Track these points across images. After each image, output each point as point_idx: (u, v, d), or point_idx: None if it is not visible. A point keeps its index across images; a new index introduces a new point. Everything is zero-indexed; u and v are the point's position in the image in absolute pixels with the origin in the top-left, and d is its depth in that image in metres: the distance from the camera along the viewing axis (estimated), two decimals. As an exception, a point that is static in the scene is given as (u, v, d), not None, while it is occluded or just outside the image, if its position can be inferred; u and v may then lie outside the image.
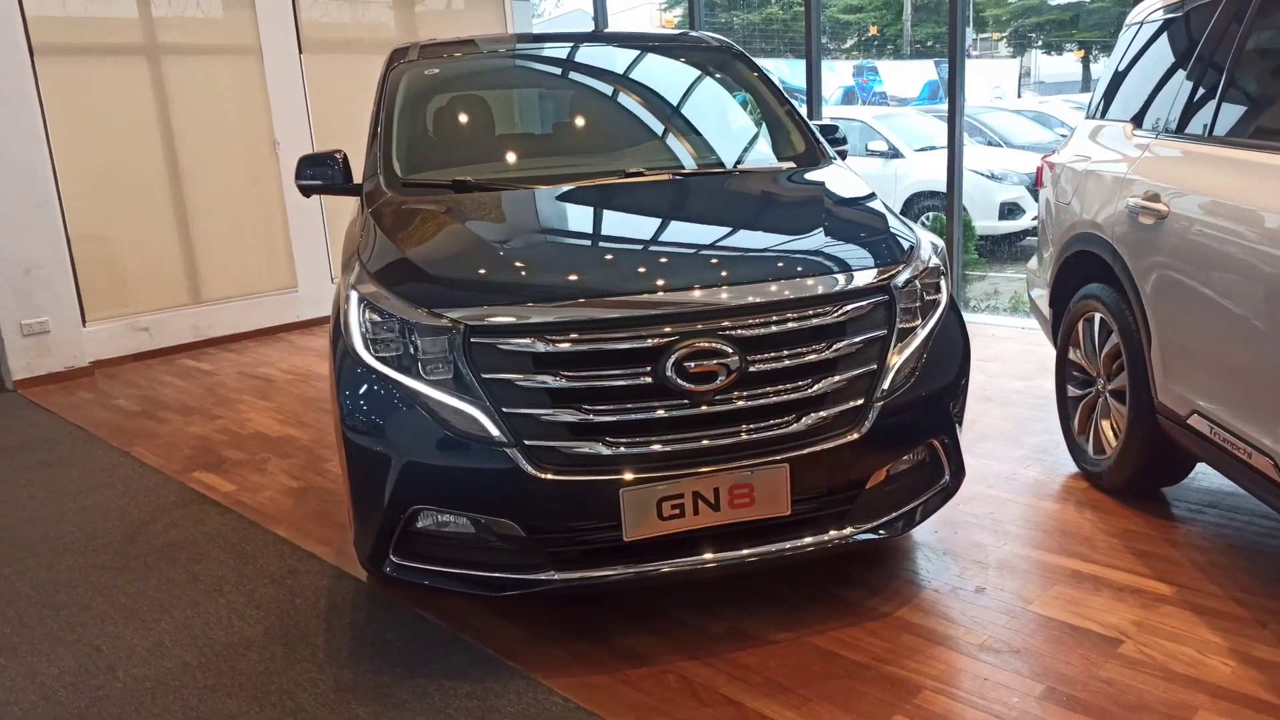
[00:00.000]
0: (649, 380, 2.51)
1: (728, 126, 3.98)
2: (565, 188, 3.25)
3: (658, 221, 3.04)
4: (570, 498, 2.53)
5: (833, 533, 2.73)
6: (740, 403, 2.57)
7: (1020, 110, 15.33)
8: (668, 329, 2.51)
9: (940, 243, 3.00)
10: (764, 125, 3.88)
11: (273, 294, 7.34)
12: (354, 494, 2.75)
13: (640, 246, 2.84)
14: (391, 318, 2.59)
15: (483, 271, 2.69)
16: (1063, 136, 14.13)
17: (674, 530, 2.58)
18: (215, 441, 4.89)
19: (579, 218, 3.09)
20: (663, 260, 2.73)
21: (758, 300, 2.57)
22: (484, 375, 2.51)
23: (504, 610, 3.00)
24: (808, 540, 2.70)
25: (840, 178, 3.37)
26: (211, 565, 3.47)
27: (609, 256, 2.78)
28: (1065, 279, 3.90)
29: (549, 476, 2.50)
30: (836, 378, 2.64)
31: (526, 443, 2.51)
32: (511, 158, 3.77)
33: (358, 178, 3.61)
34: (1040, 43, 40.74)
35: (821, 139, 3.71)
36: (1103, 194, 3.55)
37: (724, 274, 2.64)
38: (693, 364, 2.50)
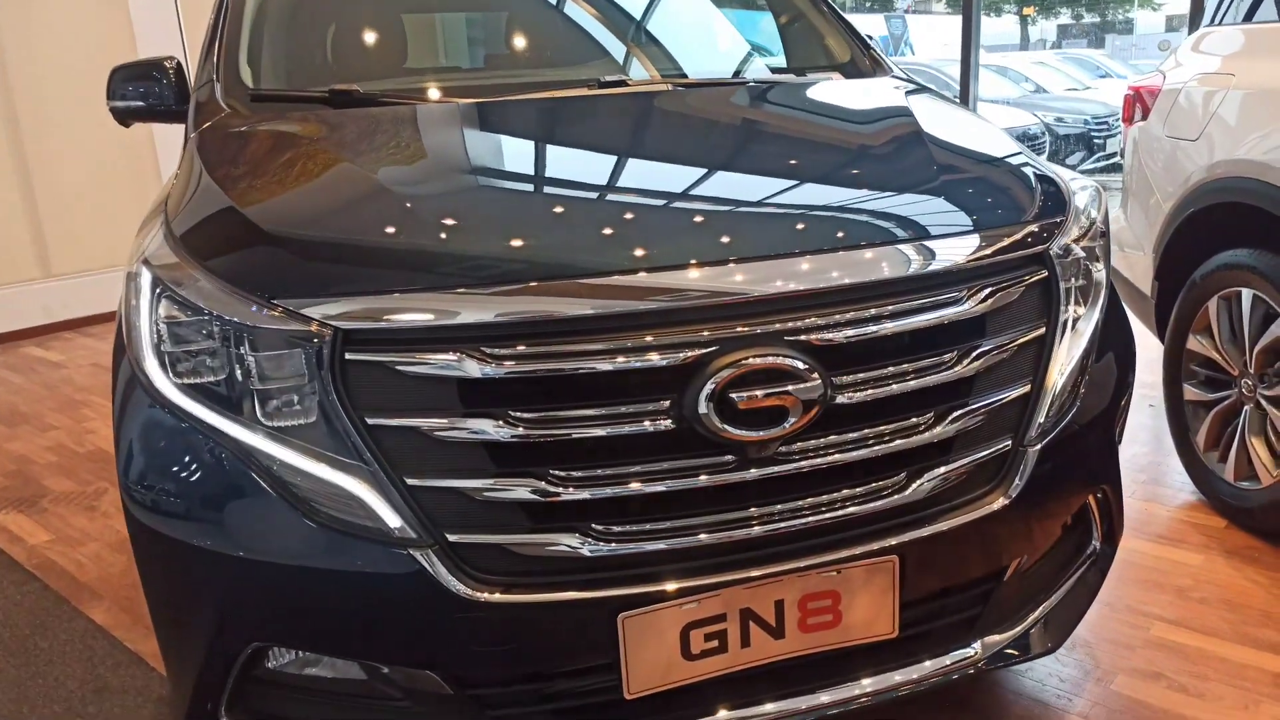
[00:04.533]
0: (669, 424, 1.42)
1: (738, 26, 2.86)
2: (509, 103, 2.10)
3: (664, 154, 1.91)
4: (531, 632, 1.44)
5: (957, 655, 1.68)
6: (821, 457, 1.49)
7: (984, 65, 14.45)
8: (703, 333, 1.41)
9: (1095, 186, 1.94)
10: (786, 26, 2.77)
11: (145, 265, 6.03)
12: (154, 613, 1.62)
13: (641, 194, 1.70)
14: (205, 315, 1.45)
15: (372, 234, 1.55)
16: (1032, 91, 13.30)
17: (708, 674, 1.51)
18: (39, 465, 3.66)
19: (536, 149, 1.94)
20: (684, 217, 1.61)
21: (850, 280, 1.48)
22: (371, 420, 1.39)
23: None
24: (918, 672, 1.65)
25: (923, 94, 2.28)
26: (-20, 678, 2.31)
27: (592, 210, 1.64)
28: (1185, 242, 2.89)
29: (492, 597, 1.40)
30: (973, 406, 1.58)
31: (452, 539, 1.41)
32: (425, 63, 2.60)
33: (202, 98, 2.42)
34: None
35: (871, 44, 2.61)
36: (1264, 123, 2.53)
37: (789, 238, 1.54)
38: (746, 395, 1.40)
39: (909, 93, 2.23)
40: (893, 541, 1.53)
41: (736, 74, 2.57)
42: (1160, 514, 2.83)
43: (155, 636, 1.65)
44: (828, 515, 1.50)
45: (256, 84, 2.20)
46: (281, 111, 2.05)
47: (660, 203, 1.63)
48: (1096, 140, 10.99)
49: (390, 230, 1.53)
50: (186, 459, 1.47)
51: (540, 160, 1.86)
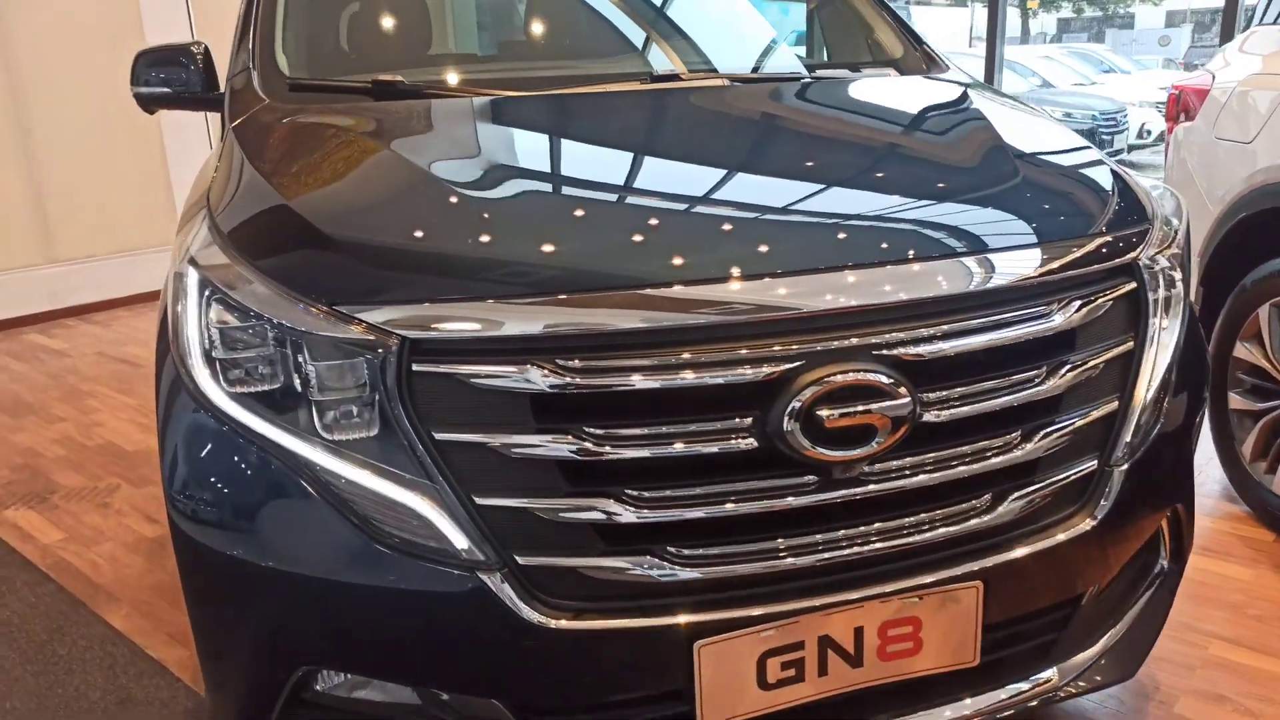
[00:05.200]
0: (750, 443, 1.34)
1: (776, 20, 2.78)
2: (565, 99, 2.01)
3: (740, 156, 1.82)
4: (602, 660, 1.37)
5: (1034, 683, 1.62)
6: (906, 478, 1.42)
7: (990, 57, 14.36)
8: (789, 347, 1.34)
9: (1174, 193, 1.86)
10: (835, 21, 2.69)
11: (150, 250, 5.93)
12: (197, 629, 1.54)
13: (723, 200, 1.61)
14: (259, 321, 1.36)
15: (437, 236, 1.46)
16: (1039, 85, 13.21)
17: (784, 704, 1.44)
18: (47, 459, 3.58)
19: (600, 147, 1.86)
20: (768, 224, 1.52)
21: (942, 292, 1.41)
22: (438, 435, 1.31)
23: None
24: (995, 700, 1.58)
25: (989, 94, 2.20)
26: (-3, 685, 2.22)
27: (671, 215, 1.55)
28: (1234, 247, 2.82)
29: (564, 624, 1.33)
30: (1061, 424, 1.51)
31: (521, 561, 1.33)
32: (468, 54, 2.51)
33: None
34: (981, -4, 40.17)
35: (923, 40, 2.53)
36: (1327, 126, 2.46)
37: (877, 248, 1.46)
38: (833, 413, 1.33)
39: (972, 92, 2.15)
40: (976, 566, 1.46)
41: (790, 71, 2.49)
42: (1203, 525, 2.76)
43: (196, 651, 1.57)
44: (911, 539, 1.43)
45: (295, 72, 2.11)
46: (323, 102, 1.96)
47: (744, 209, 1.55)
48: (1104, 136, 10.93)
49: (457, 232, 1.45)
50: (237, 470, 1.39)
51: (607, 160, 1.78)
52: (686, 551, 1.36)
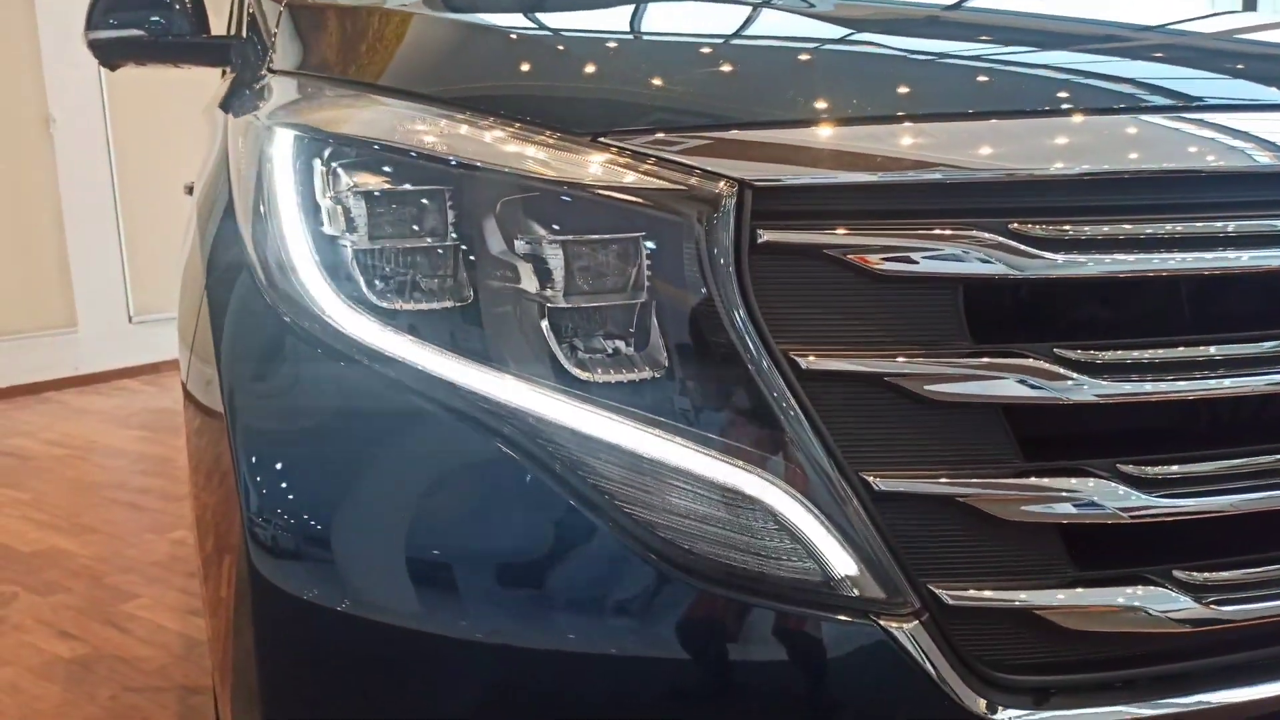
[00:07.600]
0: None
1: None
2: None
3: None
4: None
5: None
6: None
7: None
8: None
9: None
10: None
11: (38, 335, 5.04)
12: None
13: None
14: (441, 175, 0.75)
15: (765, 36, 0.89)
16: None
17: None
18: (-88, 564, 2.71)
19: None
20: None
21: None
22: (804, 362, 0.71)
23: None
24: None
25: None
26: None
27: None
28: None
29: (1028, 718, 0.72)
30: None
31: (949, 599, 0.72)
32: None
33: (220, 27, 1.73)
34: None
35: None
36: None
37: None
38: None
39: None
40: None
41: None
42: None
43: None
44: None
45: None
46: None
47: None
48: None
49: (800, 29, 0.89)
50: (399, 454, 0.75)
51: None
52: (1205, 576, 0.78)
